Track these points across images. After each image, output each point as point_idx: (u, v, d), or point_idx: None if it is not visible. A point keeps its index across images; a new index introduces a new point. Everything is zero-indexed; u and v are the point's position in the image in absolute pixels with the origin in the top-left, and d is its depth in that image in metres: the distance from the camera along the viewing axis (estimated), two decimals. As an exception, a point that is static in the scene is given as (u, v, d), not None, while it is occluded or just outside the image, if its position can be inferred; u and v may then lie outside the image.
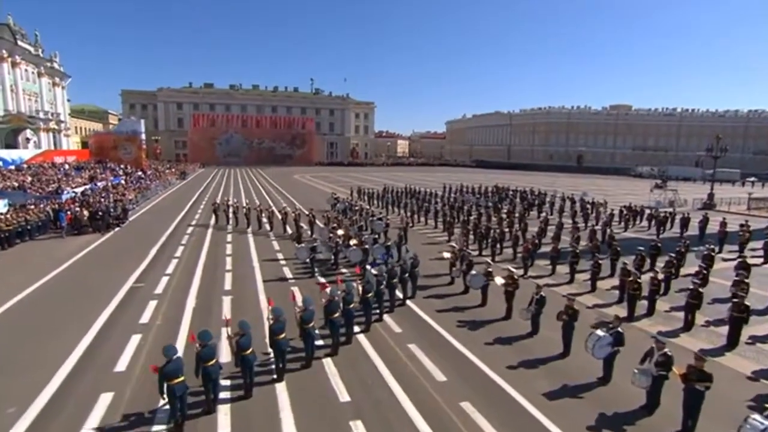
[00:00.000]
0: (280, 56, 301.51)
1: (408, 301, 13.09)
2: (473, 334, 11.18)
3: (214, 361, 7.35)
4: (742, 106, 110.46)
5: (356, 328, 10.80)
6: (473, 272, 13.05)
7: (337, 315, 9.61)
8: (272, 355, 8.73)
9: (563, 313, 10.04)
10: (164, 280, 14.79)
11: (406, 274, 12.88)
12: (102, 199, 26.32)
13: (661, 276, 13.32)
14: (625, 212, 27.07)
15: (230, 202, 26.54)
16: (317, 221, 23.35)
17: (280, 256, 18.49)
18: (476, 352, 10.04)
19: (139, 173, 47.23)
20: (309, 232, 22.46)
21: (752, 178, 67.77)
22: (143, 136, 55.69)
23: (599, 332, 8.89)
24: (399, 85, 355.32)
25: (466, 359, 9.76)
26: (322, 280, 14.78)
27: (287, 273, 16.00)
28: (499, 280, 12.34)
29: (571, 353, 9.94)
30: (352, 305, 10.18)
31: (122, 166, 50.37)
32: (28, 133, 50.04)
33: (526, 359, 9.83)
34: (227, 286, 14.35)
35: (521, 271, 15.88)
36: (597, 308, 13.17)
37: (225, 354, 9.16)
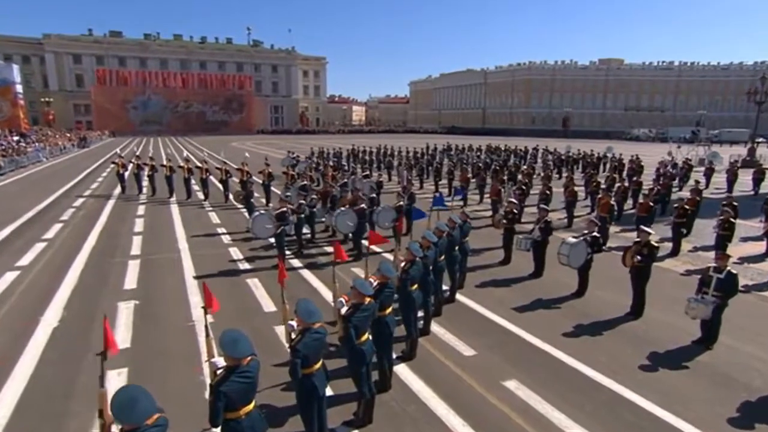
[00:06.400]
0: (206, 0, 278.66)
1: (458, 294, 8.50)
2: (605, 350, 6.74)
3: (390, 309, 5.32)
4: (746, 59, 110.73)
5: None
6: (570, 240, 8.51)
7: (365, 336, 4.81)
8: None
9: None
10: (8, 278, 9.22)
11: (456, 249, 8.19)
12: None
13: None
14: (681, 166, 24.02)
15: (144, 162, 20.35)
16: (273, 188, 18.04)
17: (221, 230, 13.26)
18: (646, 395, 5.61)
19: (16, 138, 39.00)
20: (265, 201, 17.29)
21: (760, 139, 67.72)
22: (19, 88, 45.92)
23: None
24: (353, 42, 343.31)
25: (643, 413, 5.29)
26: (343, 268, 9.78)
27: (237, 256, 10.88)
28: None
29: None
30: (388, 311, 5.41)
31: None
32: None
33: (745, 401, 5.54)
34: (129, 283, 9.02)
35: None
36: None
37: None
